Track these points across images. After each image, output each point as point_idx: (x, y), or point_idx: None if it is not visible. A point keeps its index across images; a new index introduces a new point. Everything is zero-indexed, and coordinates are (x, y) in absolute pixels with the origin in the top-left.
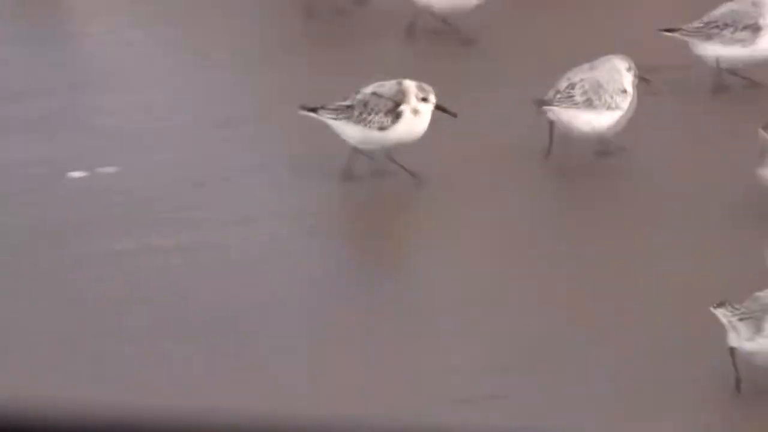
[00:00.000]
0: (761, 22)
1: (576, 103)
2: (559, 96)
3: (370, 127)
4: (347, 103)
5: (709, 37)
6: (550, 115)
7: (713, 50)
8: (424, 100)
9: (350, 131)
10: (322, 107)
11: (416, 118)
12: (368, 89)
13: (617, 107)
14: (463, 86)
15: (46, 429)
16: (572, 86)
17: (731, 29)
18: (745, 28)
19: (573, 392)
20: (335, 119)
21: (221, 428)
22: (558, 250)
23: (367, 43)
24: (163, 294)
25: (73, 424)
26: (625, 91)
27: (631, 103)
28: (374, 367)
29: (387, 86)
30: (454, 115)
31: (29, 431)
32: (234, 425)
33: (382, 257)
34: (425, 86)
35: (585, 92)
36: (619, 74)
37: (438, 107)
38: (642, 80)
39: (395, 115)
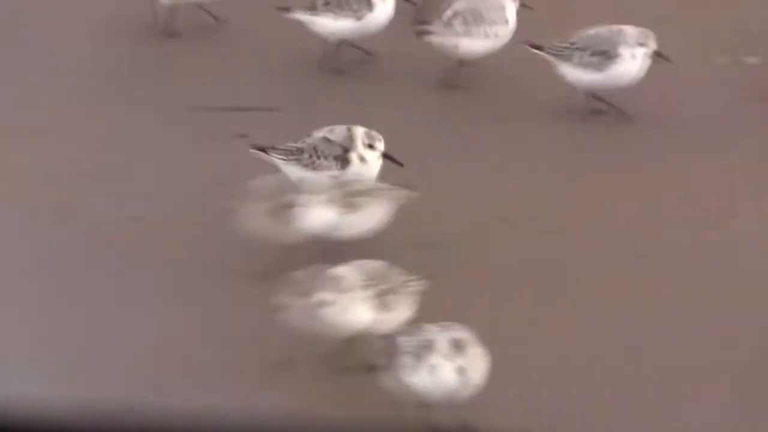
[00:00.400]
0: (613, 50)
1: (455, 33)
2: (440, 25)
3: (318, 172)
4: (298, 145)
5: (565, 58)
6: (433, 42)
7: (568, 71)
8: (371, 147)
9: (299, 175)
10: (273, 147)
11: (364, 165)
12: (319, 133)
13: (495, 36)
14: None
15: None
16: (454, 15)
17: (587, 52)
18: (597, 53)
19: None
20: (285, 161)
21: None
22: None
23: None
24: None
25: None
26: (507, 22)
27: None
28: None
29: (337, 131)
30: (401, 165)
31: None
32: None
33: None
34: (372, 133)
35: (465, 21)
36: (499, 4)
37: (385, 155)
38: (523, 5)
39: (343, 161)
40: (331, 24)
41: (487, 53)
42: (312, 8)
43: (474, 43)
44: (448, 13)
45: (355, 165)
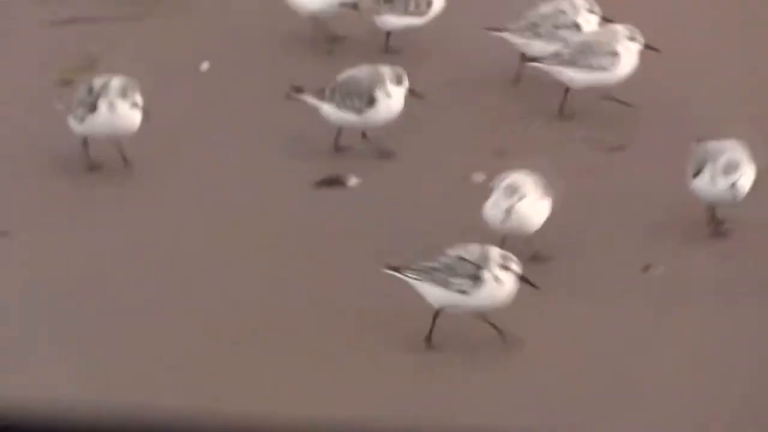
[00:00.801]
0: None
1: (562, 62)
2: (548, 54)
3: (452, 290)
4: (431, 264)
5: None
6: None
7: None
8: (506, 268)
9: (433, 293)
10: (406, 267)
11: (498, 286)
12: (453, 251)
13: (602, 68)
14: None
15: None
16: (564, 45)
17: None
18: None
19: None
20: (419, 280)
21: None
22: None
23: None
24: None
25: None
26: (615, 54)
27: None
28: None
29: (471, 249)
30: (536, 288)
31: None
32: None
33: None
34: (508, 254)
35: (571, 52)
36: (612, 38)
37: (521, 278)
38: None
39: (476, 279)
40: (334, 113)
41: (594, 84)
42: (321, 94)
43: (579, 74)
44: (559, 43)
45: (488, 284)
